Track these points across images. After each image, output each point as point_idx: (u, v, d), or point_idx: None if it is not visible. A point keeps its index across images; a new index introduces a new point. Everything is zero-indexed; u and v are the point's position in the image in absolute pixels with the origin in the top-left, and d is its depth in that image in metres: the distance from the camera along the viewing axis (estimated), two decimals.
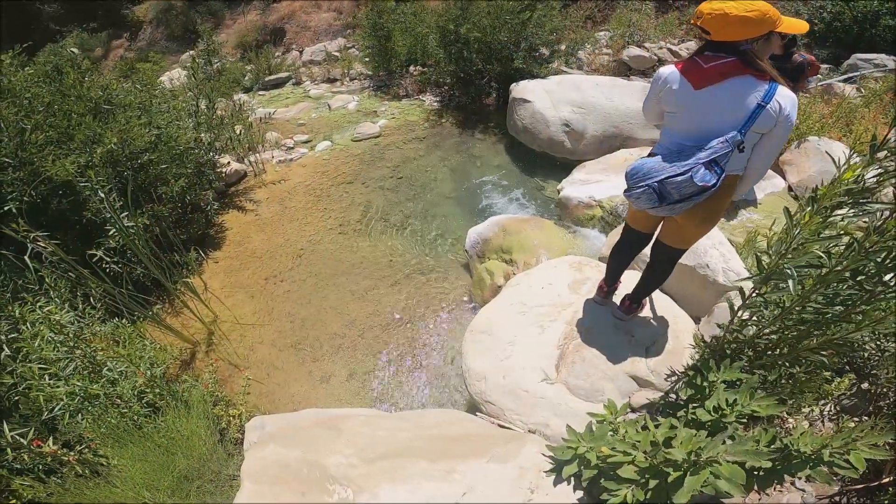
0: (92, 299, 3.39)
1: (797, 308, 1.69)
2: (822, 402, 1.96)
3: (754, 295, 1.75)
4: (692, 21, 1.73)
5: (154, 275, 3.74)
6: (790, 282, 1.44)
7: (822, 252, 1.41)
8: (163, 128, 4.65)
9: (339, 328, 3.96)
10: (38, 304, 2.75)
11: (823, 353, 1.62)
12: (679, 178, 1.67)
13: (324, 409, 3.05)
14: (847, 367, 2.00)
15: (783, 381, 1.84)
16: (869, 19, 7.34)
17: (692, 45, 7.31)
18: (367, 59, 8.19)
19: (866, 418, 1.81)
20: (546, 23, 6.34)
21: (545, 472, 1.89)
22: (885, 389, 1.82)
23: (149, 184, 4.47)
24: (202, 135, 5.20)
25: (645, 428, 1.79)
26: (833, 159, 1.46)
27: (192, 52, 10.64)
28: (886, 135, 1.34)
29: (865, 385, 1.89)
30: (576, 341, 2.45)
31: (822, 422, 1.97)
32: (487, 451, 2.00)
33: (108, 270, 3.53)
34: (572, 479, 1.80)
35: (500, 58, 6.41)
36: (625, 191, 1.89)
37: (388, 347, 3.76)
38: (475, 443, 2.07)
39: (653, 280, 2.33)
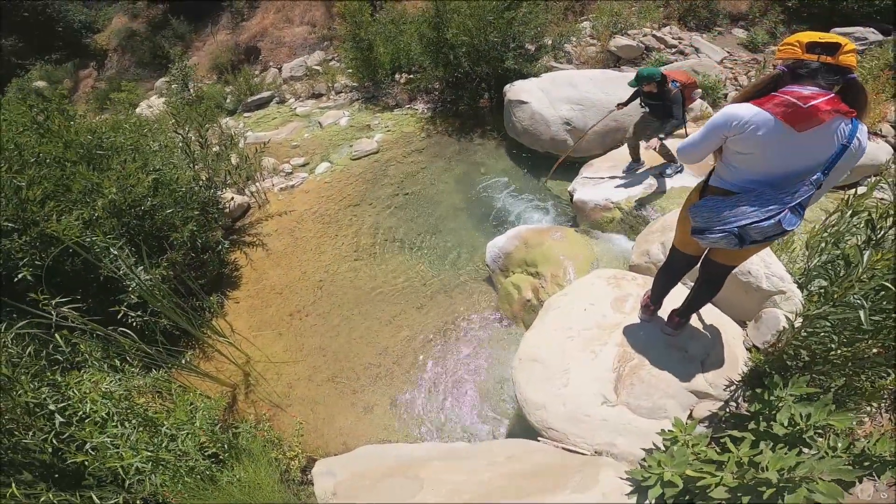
0: (128, 357, 3.35)
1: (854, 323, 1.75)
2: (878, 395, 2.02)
3: (813, 315, 1.81)
4: (810, 56, 1.58)
5: (181, 325, 3.70)
6: (861, 313, 1.49)
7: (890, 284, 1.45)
8: (160, 169, 4.55)
9: (373, 357, 3.95)
10: (85, 374, 2.72)
11: (888, 365, 1.68)
12: (765, 224, 1.64)
13: (382, 444, 3.08)
14: None
15: (846, 389, 1.90)
16: None
17: (675, 29, 7.36)
18: (350, 71, 8.08)
19: None
20: (531, 19, 6.32)
21: (626, 494, 1.93)
22: None
23: (157, 231, 4.39)
24: (201, 173, 5.10)
25: (725, 448, 1.84)
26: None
27: (165, 78, 10.40)
28: None
29: None
30: (631, 363, 2.49)
31: (880, 414, 2.04)
32: (567, 481, 2.04)
33: (133, 325, 3.49)
34: (655, 500, 1.85)
35: (488, 59, 6.38)
36: (695, 232, 1.86)
37: (425, 372, 3.77)
38: (552, 475, 2.10)
39: (704, 296, 2.35)
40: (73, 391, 2.54)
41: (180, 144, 5.16)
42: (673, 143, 4.93)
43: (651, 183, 4.37)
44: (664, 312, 2.63)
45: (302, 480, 3.07)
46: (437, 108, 7.26)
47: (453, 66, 6.65)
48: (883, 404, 2.15)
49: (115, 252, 3.57)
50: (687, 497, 1.72)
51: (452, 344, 3.94)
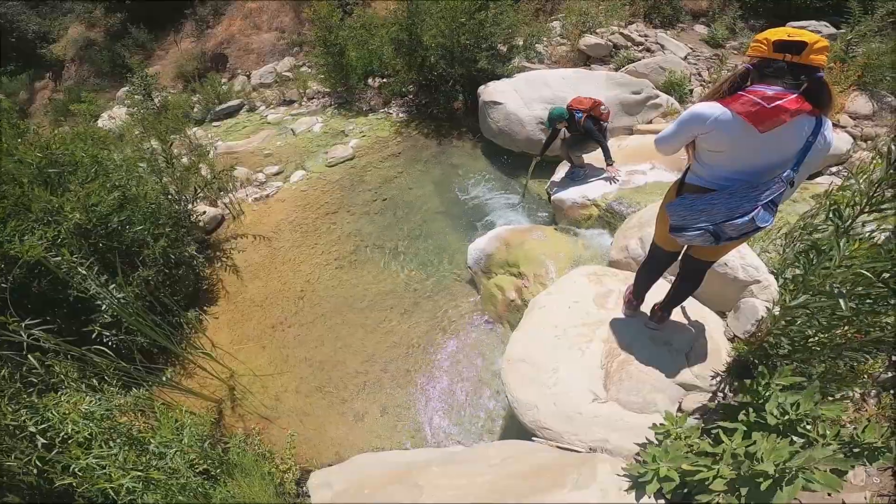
0: (105, 376, 3.24)
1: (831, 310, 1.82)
2: (860, 381, 2.11)
3: (793, 306, 1.87)
4: (777, 55, 1.58)
5: (160, 342, 3.59)
6: (841, 301, 1.55)
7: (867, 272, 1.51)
8: (125, 185, 4.39)
9: (360, 365, 3.91)
10: (62, 395, 2.63)
11: (866, 352, 1.75)
12: (739, 221, 1.68)
13: (378, 452, 3.05)
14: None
15: (827, 375, 1.97)
16: None
17: (641, 27, 7.53)
18: (322, 77, 7.97)
19: None
20: (502, 20, 6.36)
21: (625, 490, 1.96)
22: None
23: (127, 248, 4.24)
24: (170, 187, 4.94)
25: (718, 440, 1.89)
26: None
27: (127, 87, 10.05)
28: None
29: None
30: (619, 358, 2.53)
31: (864, 401, 2.14)
32: (565, 480, 2.05)
33: (109, 344, 3.37)
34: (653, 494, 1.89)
35: (462, 60, 6.39)
36: (673, 230, 1.90)
37: (414, 377, 3.75)
38: (551, 474, 2.12)
39: (685, 291, 2.41)
40: (51, 413, 2.47)
41: (146, 157, 4.99)
42: (640, 140, 5.07)
43: (625, 179, 4.46)
44: (646, 307, 2.69)
45: (298, 493, 3.03)
46: (411, 112, 7.23)
47: (427, 69, 6.64)
48: (865, 389, 2.25)
49: (84, 271, 3.45)
50: (685, 490, 1.75)
51: (439, 348, 3.94)
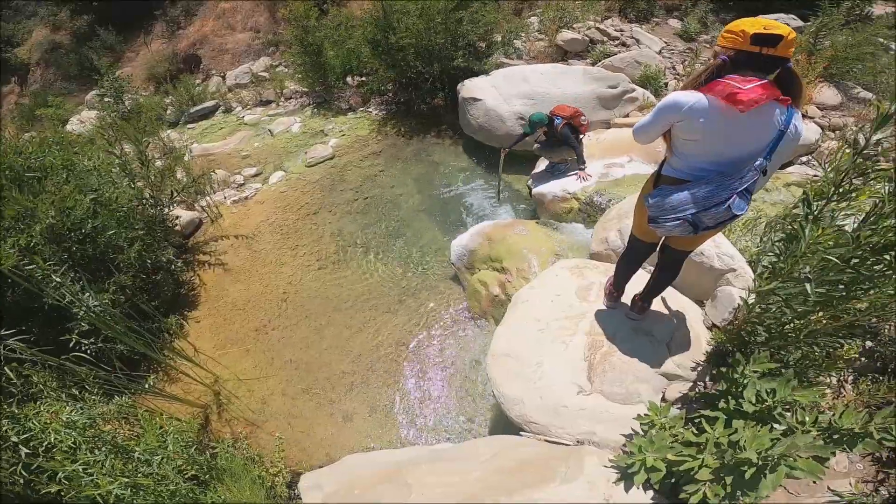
0: (86, 385, 3.17)
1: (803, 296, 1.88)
2: (837, 367, 2.17)
3: (766, 292, 1.92)
4: (754, 47, 1.61)
5: (140, 350, 3.51)
6: (808, 286, 1.59)
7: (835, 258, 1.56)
8: (98, 189, 4.28)
9: (347, 366, 3.89)
10: (42, 405, 2.57)
11: (839, 338, 1.81)
12: (714, 210, 1.72)
13: (367, 452, 3.04)
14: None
15: (803, 361, 2.03)
16: None
17: (616, 21, 7.62)
18: (299, 76, 7.87)
19: (879, 378, 2.05)
20: (480, 18, 6.36)
21: (613, 481, 1.99)
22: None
23: (101, 254, 4.13)
24: (144, 191, 4.82)
25: (701, 429, 1.92)
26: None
27: (96, 91, 9.76)
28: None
29: (870, 343, 2.13)
30: (601, 350, 2.56)
31: (842, 387, 2.20)
32: (553, 473, 2.07)
33: (87, 352, 3.29)
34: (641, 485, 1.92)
35: (439, 58, 6.38)
36: (651, 221, 1.93)
37: (401, 375, 3.74)
38: (539, 468, 2.13)
39: (664, 281, 2.46)
40: (33, 423, 2.43)
41: (118, 161, 4.86)
42: (618, 134, 5.14)
43: (604, 172, 4.52)
44: (627, 297, 2.73)
45: (289, 496, 3.01)
46: (391, 110, 7.19)
47: (405, 68, 6.61)
48: (841, 375, 2.32)
49: (58, 279, 3.35)
50: (672, 480, 1.78)
51: (425, 345, 3.93)
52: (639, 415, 2.17)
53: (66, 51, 12.20)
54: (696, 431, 1.92)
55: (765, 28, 1.59)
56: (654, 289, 2.52)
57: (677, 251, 2.23)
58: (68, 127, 9.11)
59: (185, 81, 9.05)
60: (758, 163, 1.69)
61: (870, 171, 1.69)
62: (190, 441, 2.98)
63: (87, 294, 3.45)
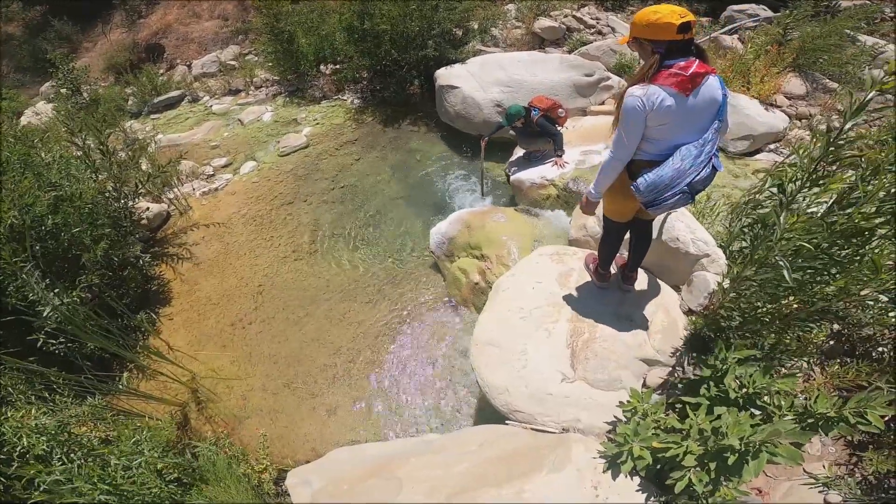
0: (56, 386, 3.02)
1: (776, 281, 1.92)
2: (808, 351, 2.24)
3: (741, 277, 1.96)
4: (679, 35, 1.79)
5: (111, 349, 3.37)
6: (785, 272, 1.63)
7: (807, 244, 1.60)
8: (59, 184, 4.06)
9: (328, 358, 3.82)
10: (9, 409, 2.47)
11: (811, 322, 1.86)
12: (704, 174, 1.90)
13: (354, 446, 2.99)
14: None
15: (777, 347, 2.08)
16: None
17: (593, 9, 7.64)
18: (270, 65, 7.63)
19: (848, 360, 2.11)
20: (456, 5, 6.28)
21: (601, 470, 2.00)
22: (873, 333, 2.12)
23: (65, 252, 3.93)
24: (107, 183, 4.59)
25: (683, 415, 1.95)
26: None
27: (51, 82, 9.26)
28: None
29: (836, 326, 2.20)
30: (583, 337, 2.58)
31: (811, 370, 2.27)
32: (542, 462, 2.07)
33: (56, 353, 3.18)
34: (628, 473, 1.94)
35: (415, 46, 6.28)
36: (650, 205, 1.98)
37: (384, 366, 3.70)
38: (527, 457, 2.13)
39: (643, 248, 2.59)
40: (4, 428, 2.36)
41: (78, 154, 4.62)
42: (594, 121, 5.14)
43: (580, 159, 4.53)
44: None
45: (277, 493, 2.95)
46: (366, 98, 7.06)
47: (380, 55, 6.47)
48: (812, 360, 2.38)
49: (24, 276, 3.18)
50: (658, 466, 1.81)
51: (407, 334, 3.90)
52: (621, 402, 2.19)
53: (18, 42, 11.55)
54: (678, 417, 1.95)
55: (681, 17, 1.79)
56: (636, 257, 2.64)
57: (647, 221, 2.43)
58: (23, 119, 8.63)
59: (148, 71, 8.67)
60: (715, 125, 1.92)
61: (841, 159, 1.75)
62: (167, 443, 2.91)
63: (52, 293, 3.29)
